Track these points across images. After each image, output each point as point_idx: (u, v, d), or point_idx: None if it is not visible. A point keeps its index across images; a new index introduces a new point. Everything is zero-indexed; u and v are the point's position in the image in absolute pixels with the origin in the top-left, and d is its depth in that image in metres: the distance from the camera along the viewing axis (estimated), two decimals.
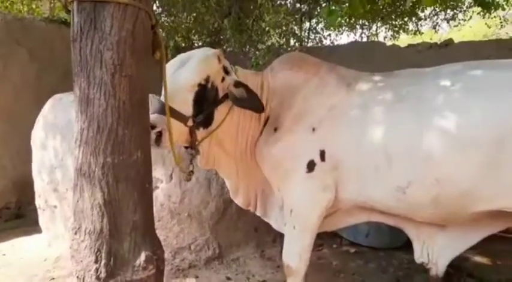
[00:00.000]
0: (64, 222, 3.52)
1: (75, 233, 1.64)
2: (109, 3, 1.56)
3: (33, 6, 5.89)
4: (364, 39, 9.20)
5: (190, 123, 2.07)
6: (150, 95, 2.01)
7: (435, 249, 2.39)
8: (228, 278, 3.07)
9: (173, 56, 5.22)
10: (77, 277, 1.64)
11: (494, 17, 7.49)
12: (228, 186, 2.63)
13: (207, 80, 2.12)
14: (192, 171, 2.23)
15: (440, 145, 1.94)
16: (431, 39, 7.88)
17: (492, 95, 1.90)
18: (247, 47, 6.15)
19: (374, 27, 9.68)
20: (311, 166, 2.20)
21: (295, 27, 6.91)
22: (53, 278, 3.13)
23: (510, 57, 2.19)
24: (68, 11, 1.66)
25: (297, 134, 2.26)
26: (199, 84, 2.10)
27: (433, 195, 1.99)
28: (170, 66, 2.12)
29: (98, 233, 1.61)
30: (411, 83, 2.14)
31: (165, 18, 6.74)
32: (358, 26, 9.42)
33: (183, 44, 7.15)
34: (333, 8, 2.21)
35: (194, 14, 6.56)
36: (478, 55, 3.78)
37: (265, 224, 3.18)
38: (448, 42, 4.95)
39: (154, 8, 6.46)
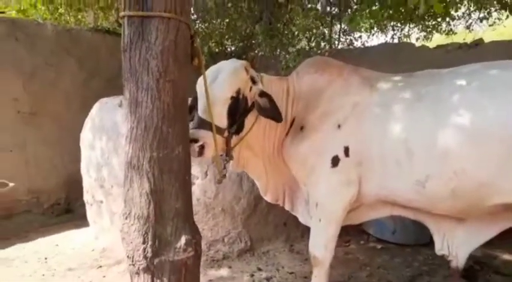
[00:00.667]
0: (110, 216, 3.83)
1: (126, 218, 1.89)
2: (154, 17, 1.80)
3: (79, 17, 6.35)
4: (396, 41, 9.16)
5: (226, 134, 2.25)
6: (190, 98, 2.25)
7: (455, 242, 2.48)
8: (259, 269, 3.27)
9: (207, 62, 5.50)
10: (128, 256, 1.89)
11: None
12: (258, 185, 2.82)
13: (238, 92, 2.28)
14: (224, 175, 2.42)
15: (458, 141, 2.06)
16: (464, 39, 7.78)
17: (505, 94, 2.01)
18: (278, 50, 6.36)
19: (406, 29, 9.61)
20: (335, 161, 2.35)
21: (325, 30, 7.05)
22: (100, 266, 3.44)
23: None
24: (119, 25, 1.92)
25: (322, 131, 2.41)
26: (232, 97, 2.26)
27: (451, 188, 2.10)
28: (201, 81, 2.26)
29: (145, 218, 1.85)
30: (430, 83, 2.27)
31: (200, 25, 7.05)
32: (390, 27, 9.39)
33: (217, 50, 7.44)
34: (356, 13, 2.36)
35: (227, 20, 6.84)
36: (509, 54, 3.79)
37: (294, 219, 3.36)
38: (478, 42, 4.95)
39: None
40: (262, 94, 2.34)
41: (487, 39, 6.61)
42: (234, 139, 2.35)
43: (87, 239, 4.01)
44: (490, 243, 2.70)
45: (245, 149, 2.54)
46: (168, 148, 1.85)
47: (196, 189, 3.34)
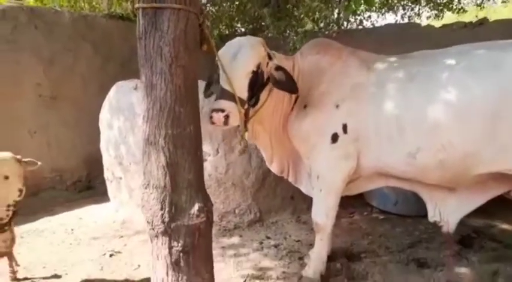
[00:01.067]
0: (128, 191, 4.12)
1: (145, 188, 2.13)
2: (166, 9, 2.00)
3: (94, 3, 6.55)
4: (406, 20, 9.12)
5: (246, 105, 2.44)
6: (199, 81, 2.47)
7: (446, 210, 2.70)
8: (268, 237, 3.53)
9: (217, 44, 5.64)
10: (147, 222, 2.14)
11: None
12: (264, 156, 3.05)
13: (258, 66, 2.46)
14: (246, 146, 2.66)
15: (445, 116, 2.25)
16: (476, 16, 7.73)
17: (489, 73, 2.17)
18: (287, 32, 6.46)
19: (418, 7, 9.52)
20: (335, 138, 2.57)
21: (335, 11, 7.10)
22: (122, 236, 3.75)
23: None
24: (135, 16, 2.13)
25: (323, 110, 2.63)
26: (253, 71, 2.44)
27: (439, 159, 2.31)
28: (223, 55, 2.43)
29: (162, 187, 2.09)
30: (422, 64, 2.45)
31: (210, 8, 7.18)
32: (400, 7, 9.33)
33: (227, 32, 7.57)
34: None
35: (237, 3, 6.96)
36: (508, 35, 3.89)
37: (300, 193, 3.59)
38: (482, 21, 4.99)
39: None
40: (278, 68, 2.51)
41: (498, 17, 6.58)
42: (251, 112, 2.55)
43: (108, 213, 4.33)
44: (490, 213, 2.90)
45: (256, 122, 2.73)
46: (180, 126, 2.07)
47: (208, 166, 3.58)
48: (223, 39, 6.39)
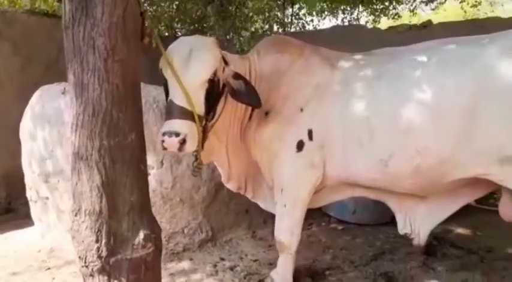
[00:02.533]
0: (57, 213, 3.55)
1: (76, 215, 1.70)
2: None
3: None
4: (346, 24, 9.29)
5: (204, 122, 2.01)
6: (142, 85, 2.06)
7: (417, 220, 2.55)
8: (222, 259, 3.17)
9: (157, 45, 5.20)
10: (79, 257, 1.70)
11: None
12: (221, 172, 2.69)
13: (215, 73, 2.04)
14: (200, 168, 2.22)
15: (418, 118, 2.07)
16: (410, 21, 8.03)
17: (463, 69, 2.02)
18: (232, 33, 6.19)
19: (356, 12, 9.76)
20: (300, 146, 2.30)
21: (278, 13, 6.96)
22: (49, 268, 3.18)
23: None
24: (60, 0, 1.70)
25: (286, 115, 2.34)
26: (209, 80, 2.02)
27: (415, 165, 2.12)
28: (172, 61, 1.98)
29: (97, 213, 1.67)
30: (389, 61, 2.26)
31: (148, 8, 6.71)
32: (340, 11, 9.49)
33: (166, 33, 7.15)
34: None
35: (177, 3, 6.56)
36: (454, 34, 3.92)
37: (256, 206, 3.27)
38: (427, 24, 5.10)
39: None
40: (237, 76, 2.15)
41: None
42: (209, 127, 2.14)
43: (32, 239, 3.70)
44: (447, 219, 2.80)
45: (211, 136, 2.29)
46: (119, 135, 1.67)
47: (152, 180, 3.14)
48: (163, 41, 5.97)
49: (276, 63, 2.44)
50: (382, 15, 9.35)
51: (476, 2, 8.28)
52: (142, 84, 2.61)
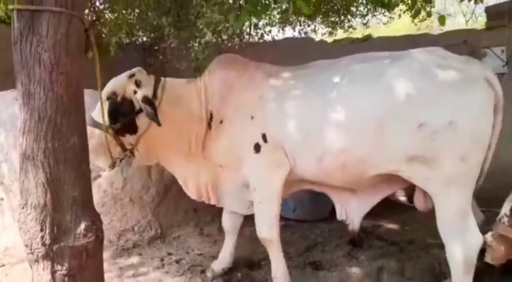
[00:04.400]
0: (12, 214, 3.68)
1: (22, 208, 1.92)
2: (45, 11, 1.84)
3: None
4: (303, 35, 9.71)
5: (110, 131, 2.54)
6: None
7: (350, 209, 2.92)
8: (169, 254, 3.42)
9: (116, 53, 5.38)
10: (26, 245, 1.92)
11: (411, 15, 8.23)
12: (179, 181, 2.98)
13: (115, 94, 2.55)
14: (114, 164, 2.73)
15: (340, 124, 2.43)
16: (363, 34, 8.56)
17: (374, 84, 2.39)
18: (191, 42, 6.43)
19: (314, 24, 10.22)
20: (257, 148, 2.63)
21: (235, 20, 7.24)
22: (3, 265, 3.32)
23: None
24: (9, 18, 1.93)
25: (240, 123, 2.68)
26: (109, 98, 2.54)
27: (340, 162, 2.47)
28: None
29: (42, 206, 1.89)
30: (319, 73, 2.62)
31: (109, 15, 6.84)
32: (298, 23, 9.90)
33: (127, 40, 7.28)
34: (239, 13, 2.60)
35: (137, 11, 6.73)
36: (390, 48, 4.37)
37: (204, 205, 3.54)
38: (367, 38, 5.57)
39: (97, 4, 6.54)
40: (144, 100, 2.55)
41: (381, 34, 7.37)
42: (130, 138, 2.62)
43: None
44: (376, 215, 3.17)
45: (155, 147, 2.75)
46: (62, 139, 1.91)
47: (103, 181, 3.37)
48: (123, 48, 6.14)
49: (225, 79, 2.79)
50: (338, 28, 9.87)
51: (423, 17, 8.94)
52: (92, 91, 2.89)
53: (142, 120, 2.59)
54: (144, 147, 2.72)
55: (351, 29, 9.53)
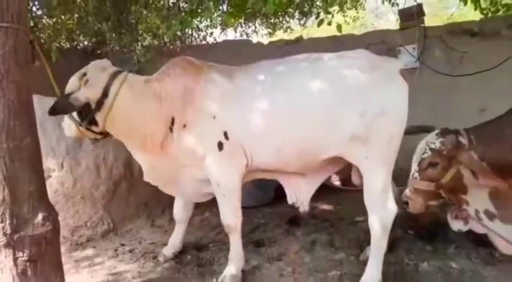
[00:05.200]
0: None
1: None
2: None
3: None
4: (245, 37, 10.08)
5: (83, 126, 2.79)
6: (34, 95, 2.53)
7: (300, 192, 3.23)
8: (122, 245, 3.66)
9: (57, 58, 5.43)
10: None
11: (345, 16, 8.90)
12: (143, 168, 3.16)
13: (69, 93, 2.72)
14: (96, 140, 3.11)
15: (298, 116, 2.74)
16: (301, 35, 9.09)
17: (323, 81, 2.76)
18: (134, 45, 6.58)
19: (254, 26, 10.63)
20: (220, 146, 2.81)
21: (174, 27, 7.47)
22: None
23: (342, 50, 3.05)
24: None
25: (203, 124, 2.84)
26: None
27: (299, 150, 2.80)
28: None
29: (1, 201, 2.11)
30: (273, 71, 2.89)
31: (47, 20, 6.81)
32: (239, 25, 10.27)
33: (68, 45, 7.27)
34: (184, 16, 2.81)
35: (77, 15, 6.76)
36: (319, 48, 4.87)
37: (155, 198, 3.85)
38: (299, 39, 6.06)
39: (34, 9, 6.52)
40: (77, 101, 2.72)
41: (318, 35, 7.92)
42: (97, 128, 2.82)
43: None
44: (314, 197, 3.55)
45: (120, 138, 2.99)
46: (16, 139, 2.14)
47: (53, 181, 3.54)
48: (63, 53, 6.17)
49: (183, 82, 2.92)
50: (277, 29, 10.34)
51: (355, 17, 9.65)
52: (41, 97, 3.11)
53: (98, 117, 2.75)
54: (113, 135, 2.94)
55: (289, 30, 10.10)
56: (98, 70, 2.82)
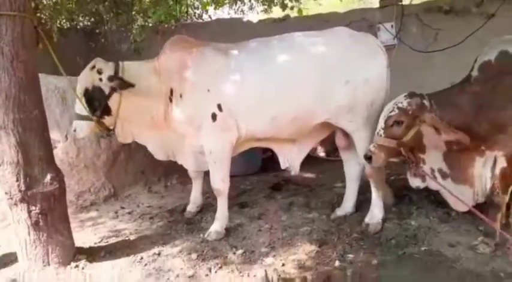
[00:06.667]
0: None
1: (0, 165, 2.54)
2: (2, 15, 2.42)
3: None
4: (240, 13, 10.26)
5: (94, 118, 3.09)
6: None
7: (292, 157, 3.60)
8: (122, 208, 4.10)
9: (58, 38, 5.74)
10: (5, 193, 2.55)
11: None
12: (150, 150, 3.56)
13: (87, 89, 3.07)
14: (106, 135, 3.51)
15: (291, 86, 3.09)
16: (288, 14, 9.31)
17: (312, 54, 3.13)
18: (131, 25, 6.84)
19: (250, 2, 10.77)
20: (214, 117, 3.12)
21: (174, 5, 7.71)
22: None
23: (326, 27, 3.43)
24: None
25: (198, 96, 3.16)
26: (84, 94, 3.07)
27: (293, 116, 3.15)
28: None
29: (15, 163, 2.53)
30: (265, 48, 3.22)
31: (48, 1, 7.08)
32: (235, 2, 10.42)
33: (69, 25, 7.54)
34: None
35: None
36: (304, 26, 5.18)
37: (151, 167, 4.25)
38: (285, 18, 6.36)
39: None
40: (112, 78, 3.06)
41: (312, 11, 8.17)
42: (108, 119, 3.17)
43: None
44: (301, 167, 3.88)
45: (129, 124, 3.34)
46: (26, 111, 2.54)
47: (58, 152, 3.94)
48: (63, 33, 6.47)
49: (180, 58, 3.24)
50: (273, 5, 10.49)
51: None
52: (44, 75, 3.48)
53: (112, 102, 3.11)
54: (120, 126, 3.30)
55: (284, 6, 10.26)
56: (102, 61, 3.16)
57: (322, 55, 3.14)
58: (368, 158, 2.87)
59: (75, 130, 3.18)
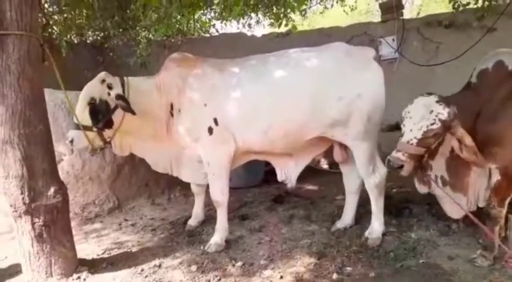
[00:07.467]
0: None
1: (6, 178, 2.62)
2: (10, 35, 2.53)
3: None
4: (247, 27, 10.41)
5: (94, 129, 3.12)
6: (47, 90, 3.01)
7: (288, 171, 3.64)
8: (126, 220, 4.17)
9: (67, 53, 5.89)
10: (10, 205, 2.63)
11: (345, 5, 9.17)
12: (149, 162, 3.62)
13: (93, 99, 3.10)
14: (95, 151, 3.27)
15: (285, 101, 3.14)
16: (302, 25, 9.39)
17: (305, 70, 3.18)
18: (137, 40, 7.01)
19: (257, 17, 10.93)
20: (210, 130, 3.23)
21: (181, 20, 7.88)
22: None
23: (328, 42, 3.49)
24: None
25: (195, 110, 3.27)
26: (89, 103, 3.10)
27: (284, 131, 3.20)
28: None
29: (20, 176, 2.61)
30: (261, 64, 3.30)
31: (58, 17, 7.29)
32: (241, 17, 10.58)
33: (78, 40, 7.75)
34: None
35: (85, 12, 7.22)
36: (307, 40, 5.28)
37: (154, 179, 4.31)
38: (289, 32, 6.44)
39: (46, 6, 6.98)
40: (118, 97, 3.12)
41: (318, 25, 8.28)
42: (108, 132, 3.21)
43: None
44: (302, 179, 3.93)
45: (128, 137, 3.38)
46: (31, 126, 2.63)
47: (64, 164, 4.04)
48: (73, 48, 6.65)
49: (179, 74, 3.37)
50: (280, 19, 10.62)
51: (353, 6, 9.91)
52: (51, 90, 3.58)
53: (116, 116, 3.18)
54: (119, 139, 3.35)
55: (290, 21, 10.40)
56: (110, 76, 3.25)
57: (315, 71, 3.18)
58: (399, 167, 2.71)
59: (71, 141, 3.11)
